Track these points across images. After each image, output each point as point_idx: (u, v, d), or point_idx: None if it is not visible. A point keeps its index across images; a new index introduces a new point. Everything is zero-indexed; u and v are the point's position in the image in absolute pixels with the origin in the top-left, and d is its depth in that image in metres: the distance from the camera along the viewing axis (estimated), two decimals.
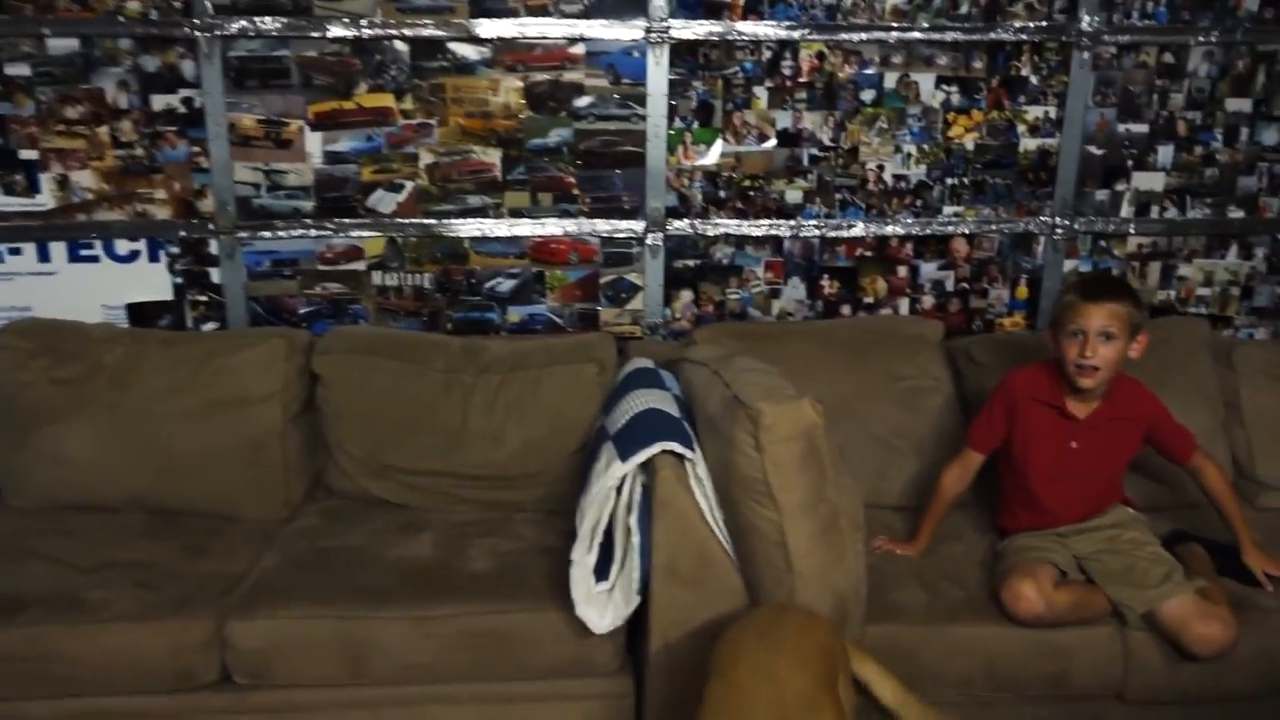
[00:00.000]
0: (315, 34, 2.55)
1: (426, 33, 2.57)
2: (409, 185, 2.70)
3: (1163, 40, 2.71)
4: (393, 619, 1.95)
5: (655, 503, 1.87)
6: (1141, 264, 2.89)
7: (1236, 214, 2.86)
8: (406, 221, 2.70)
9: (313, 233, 2.69)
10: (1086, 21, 2.65)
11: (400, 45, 2.59)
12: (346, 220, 2.69)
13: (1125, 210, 2.84)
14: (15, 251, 2.65)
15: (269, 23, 2.53)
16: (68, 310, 2.61)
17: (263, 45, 2.57)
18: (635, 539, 1.84)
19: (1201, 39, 2.71)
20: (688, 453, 1.90)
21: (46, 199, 2.62)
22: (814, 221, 2.77)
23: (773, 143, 2.72)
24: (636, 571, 1.85)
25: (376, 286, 2.76)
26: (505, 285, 2.78)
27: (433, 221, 2.71)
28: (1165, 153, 2.80)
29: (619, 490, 1.92)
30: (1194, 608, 1.88)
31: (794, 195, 2.76)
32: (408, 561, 2.13)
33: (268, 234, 2.69)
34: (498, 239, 2.73)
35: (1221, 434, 2.47)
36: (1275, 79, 2.77)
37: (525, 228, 2.72)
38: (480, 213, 2.72)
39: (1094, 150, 2.78)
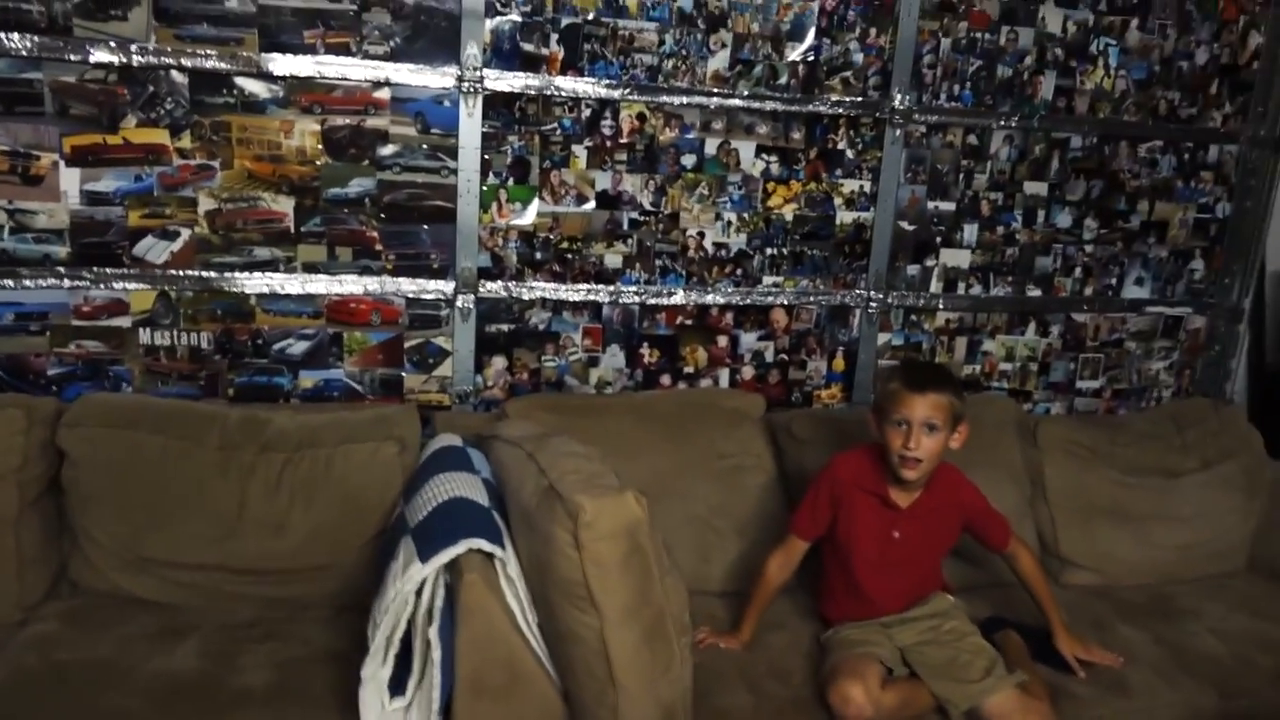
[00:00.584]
0: (75, 57, 2.22)
1: (209, 64, 2.29)
2: (185, 233, 2.39)
3: (968, 122, 2.80)
4: None
5: (460, 608, 1.66)
6: (949, 338, 2.95)
7: (1035, 292, 2.98)
8: (181, 274, 2.39)
9: (66, 283, 2.33)
10: (899, 100, 2.70)
11: (178, 76, 2.30)
12: (109, 270, 2.35)
13: (934, 285, 2.89)
14: None
15: (18, 40, 2.18)
16: None
17: (9, 66, 2.21)
18: (436, 653, 1.62)
19: (1002, 123, 2.81)
20: (497, 551, 1.71)
21: None
22: (634, 288, 2.66)
23: (592, 204, 2.60)
24: (437, 690, 1.63)
25: (144, 345, 2.42)
26: (297, 347, 2.51)
27: (213, 274, 2.41)
28: (970, 231, 2.89)
29: (418, 593, 1.70)
30: (1016, 703, 1.86)
31: (613, 260, 2.64)
32: (165, 677, 1.81)
33: (10, 283, 2.30)
34: (289, 296, 2.46)
35: (1028, 511, 2.52)
36: (1067, 164, 2.91)
37: (321, 284, 2.46)
38: (269, 266, 2.44)
39: (905, 226, 2.82)
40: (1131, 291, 3.08)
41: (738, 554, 2.34)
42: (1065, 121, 2.87)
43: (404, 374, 2.58)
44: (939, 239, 2.87)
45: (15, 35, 2.18)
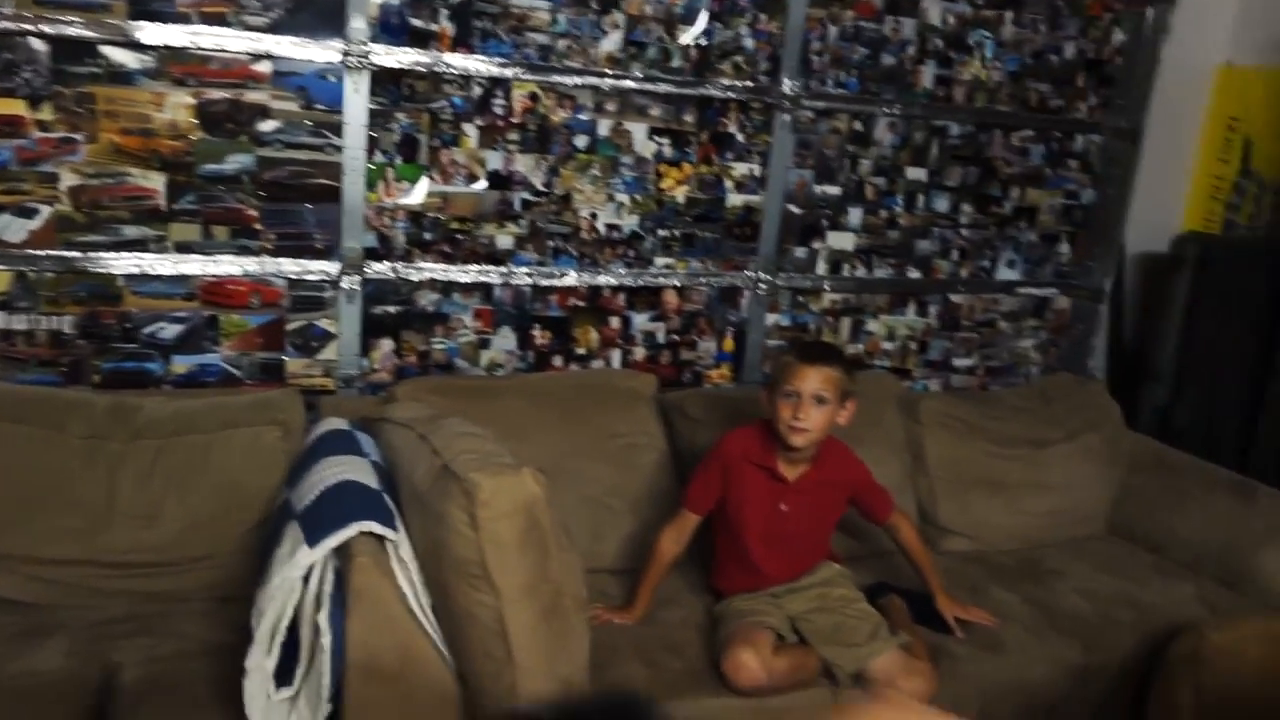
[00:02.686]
0: None
1: (72, 32, 2.15)
2: (45, 210, 2.25)
3: (853, 109, 2.87)
4: None
5: (350, 592, 1.62)
6: (835, 319, 3.03)
7: (915, 274, 3.09)
8: (41, 253, 2.25)
9: None
10: (788, 85, 2.75)
11: (37, 44, 2.16)
12: None
13: (820, 267, 2.96)
14: None
15: None
16: None
17: None
18: (326, 639, 1.58)
19: (886, 110, 2.90)
20: (389, 533, 1.68)
21: None
22: (525, 269, 2.64)
23: (483, 184, 2.56)
24: (327, 676, 1.58)
25: (0, 330, 2.27)
26: (169, 331, 2.39)
27: (76, 254, 2.27)
28: (855, 214, 2.96)
29: (305, 579, 1.65)
30: (899, 664, 1.93)
31: (505, 240, 2.62)
32: (28, 677, 1.71)
33: None
34: (160, 277, 2.34)
35: (909, 483, 2.62)
36: (946, 151, 3.02)
37: (195, 265, 2.36)
38: (139, 246, 2.32)
39: (794, 209, 2.88)
40: (1004, 273, 3.22)
41: (631, 531, 2.36)
42: (944, 110, 2.98)
43: (285, 358, 2.49)
44: (825, 222, 2.94)
45: None
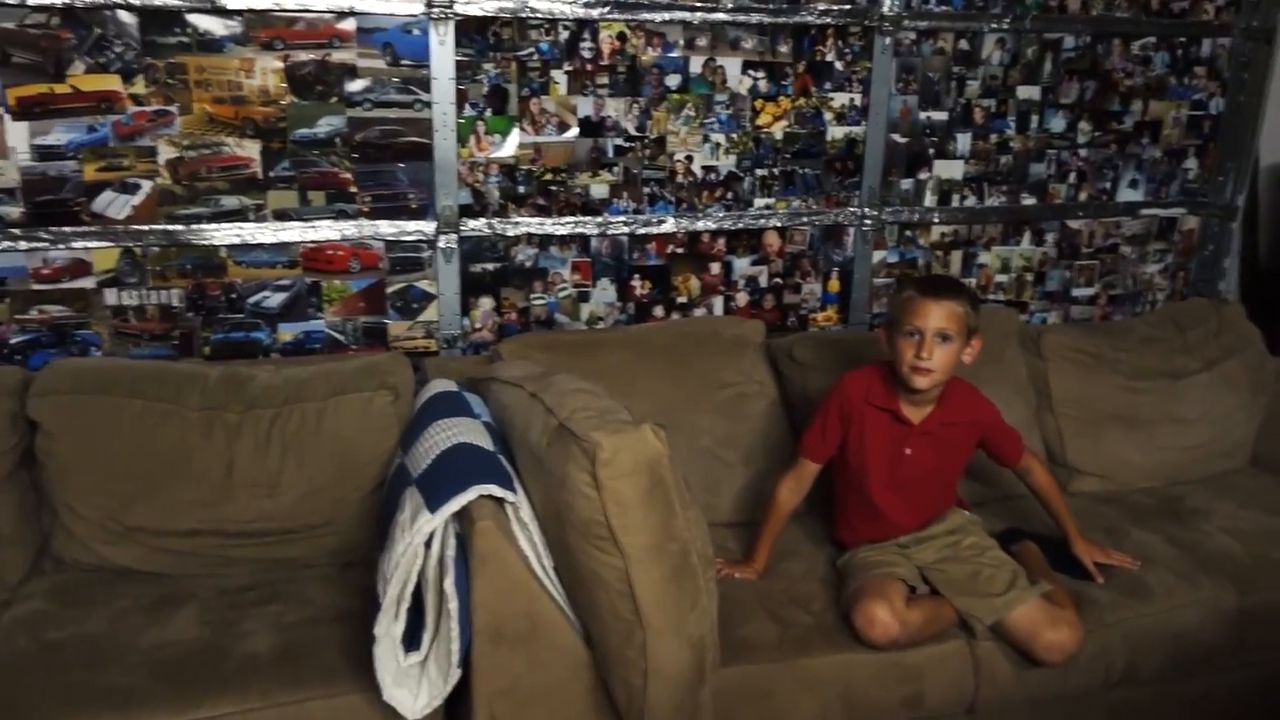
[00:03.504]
0: (12, 1, 2.06)
1: (159, 1, 2.14)
2: (146, 185, 2.26)
3: (958, 26, 2.69)
4: None
5: (473, 557, 1.59)
6: (944, 252, 2.88)
7: (1029, 201, 2.91)
8: (145, 228, 2.26)
9: (23, 245, 2.20)
10: (888, 6, 2.59)
11: (126, 16, 2.15)
12: (67, 229, 2.22)
13: (928, 199, 2.81)
14: None
15: None
16: None
17: None
18: (452, 604, 1.55)
19: (994, 26, 2.71)
20: (508, 496, 1.64)
21: None
22: (622, 218, 2.56)
23: (574, 132, 2.49)
24: (456, 641, 1.57)
25: (111, 307, 2.30)
26: (274, 299, 2.40)
27: (179, 228, 2.28)
28: (964, 140, 2.80)
29: (428, 545, 1.63)
30: (1042, 614, 1.83)
31: (599, 189, 2.54)
32: (166, 649, 1.73)
33: None
34: (261, 246, 2.34)
35: (1034, 422, 2.49)
36: (1060, 65, 2.82)
37: (294, 232, 2.35)
38: (238, 216, 2.32)
39: (898, 138, 2.73)
40: (1126, 195, 3.01)
41: (745, 483, 2.29)
42: (1057, 21, 2.78)
43: (388, 321, 2.48)
44: (932, 150, 2.78)
45: None
